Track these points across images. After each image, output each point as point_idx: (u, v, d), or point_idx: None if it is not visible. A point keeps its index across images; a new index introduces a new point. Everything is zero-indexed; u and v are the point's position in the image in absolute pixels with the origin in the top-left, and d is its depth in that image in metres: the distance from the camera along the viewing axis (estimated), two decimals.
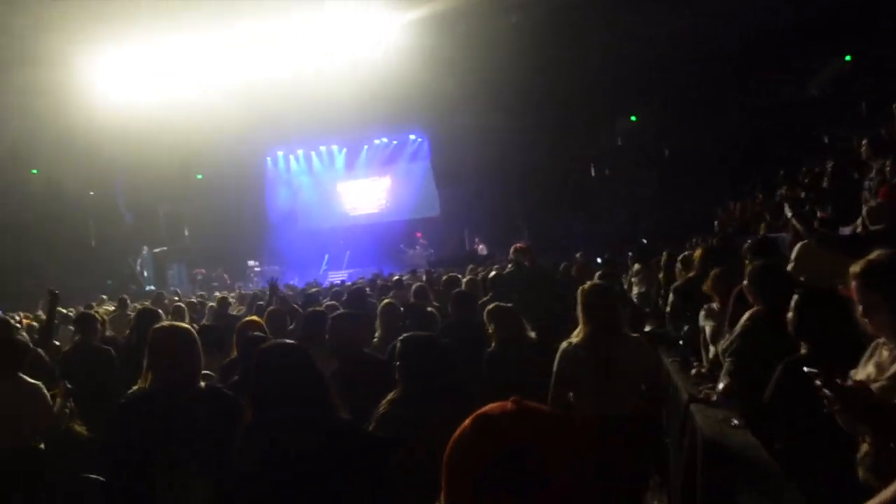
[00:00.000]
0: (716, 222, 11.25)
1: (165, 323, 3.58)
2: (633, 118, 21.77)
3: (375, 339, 5.18)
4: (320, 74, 17.69)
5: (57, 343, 6.22)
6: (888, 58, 14.20)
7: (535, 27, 16.83)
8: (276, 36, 17.47)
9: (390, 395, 3.12)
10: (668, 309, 5.39)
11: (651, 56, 17.34)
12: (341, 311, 4.87)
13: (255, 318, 5.13)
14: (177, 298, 10.98)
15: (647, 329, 5.72)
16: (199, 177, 24.69)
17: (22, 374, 4.41)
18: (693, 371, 4.57)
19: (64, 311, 9.13)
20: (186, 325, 3.41)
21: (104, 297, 12.92)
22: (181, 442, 2.89)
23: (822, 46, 16.02)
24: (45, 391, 4.42)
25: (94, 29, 16.17)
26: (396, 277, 10.03)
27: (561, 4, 16.51)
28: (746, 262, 4.36)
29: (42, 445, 4.38)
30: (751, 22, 15.65)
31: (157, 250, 22.84)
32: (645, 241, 8.81)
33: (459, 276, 8.56)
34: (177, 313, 7.47)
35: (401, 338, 3.32)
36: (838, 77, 16.60)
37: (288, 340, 2.62)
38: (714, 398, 3.86)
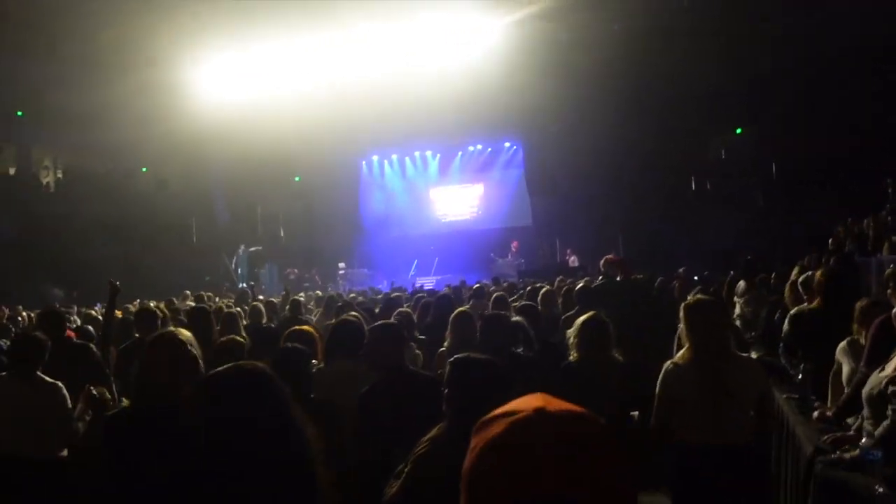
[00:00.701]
0: (830, 240, 10.43)
1: (165, 331, 3.18)
2: (738, 131, 20.88)
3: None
4: (415, 78, 17.69)
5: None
6: None
7: (638, 33, 16.40)
8: (373, 39, 17.59)
9: (433, 431, 2.68)
10: (783, 337, 4.76)
11: (759, 68, 16.67)
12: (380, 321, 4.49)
13: (304, 327, 4.78)
14: (261, 297, 11.07)
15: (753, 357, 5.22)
16: (297, 179, 25.24)
17: (40, 374, 4.17)
18: (815, 413, 3.90)
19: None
20: (180, 336, 2.91)
21: (188, 292, 13.19)
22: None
23: None
24: (65, 393, 4.15)
25: (201, 32, 16.75)
26: (477, 285, 9.63)
27: (665, 12, 16.05)
28: (890, 289, 3.82)
29: (65, 452, 4.14)
30: (860, 35, 14.87)
31: (252, 249, 23.41)
32: (749, 256, 8.14)
33: (548, 286, 8.22)
34: (255, 312, 7.46)
35: (451, 360, 2.83)
36: None
37: (258, 365, 2.11)
38: (853, 456, 3.12)
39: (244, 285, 19.60)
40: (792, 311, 4.74)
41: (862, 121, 16.48)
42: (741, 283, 7.66)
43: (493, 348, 3.81)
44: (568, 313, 5.95)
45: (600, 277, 7.47)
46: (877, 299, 3.88)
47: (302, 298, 10.68)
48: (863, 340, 3.67)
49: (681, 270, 10.08)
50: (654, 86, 17.80)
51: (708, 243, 17.98)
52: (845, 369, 3.76)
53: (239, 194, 24.31)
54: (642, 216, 20.32)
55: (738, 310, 7.19)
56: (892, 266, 3.68)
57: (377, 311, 7.15)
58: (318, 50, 18.27)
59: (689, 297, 4.33)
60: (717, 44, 16.12)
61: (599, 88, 17.89)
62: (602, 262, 7.67)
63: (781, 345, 4.71)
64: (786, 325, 4.68)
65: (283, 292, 10.37)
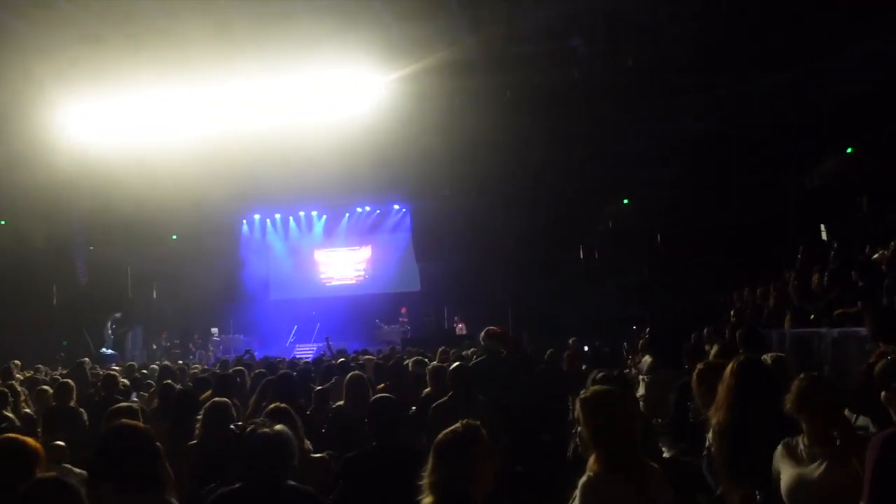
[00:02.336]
0: (732, 311, 10.10)
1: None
2: (625, 201, 21.06)
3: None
4: (300, 135, 16.78)
5: None
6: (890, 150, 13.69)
7: (531, 100, 16.27)
8: (256, 92, 16.57)
9: None
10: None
11: (647, 140, 16.85)
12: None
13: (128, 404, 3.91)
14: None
15: (665, 454, 4.36)
16: (174, 238, 23.60)
17: None
18: None
19: None
20: None
21: (17, 362, 11.59)
22: None
23: (822, 137, 15.48)
24: None
25: (70, 80, 15.38)
26: (341, 360, 8.40)
27: (557, 82, 16.03)
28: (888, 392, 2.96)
29: None
30: (746, 112, 15.28)
31: (117, 315, 21.57)
32: (650, 328, 7.57)
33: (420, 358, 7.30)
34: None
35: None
36: (838, 168, 16.07)
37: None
38: None
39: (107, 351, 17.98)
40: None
41: (745, 194, 16.85)
42: (647, 358, 6.91)
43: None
44: (440, 400, 5.02)
45: (479, 354, 6.44)
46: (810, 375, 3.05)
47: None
48: (803, 442, 2.89)
49: (571, 341, 9.39)
50: (545, 153, 17.69)
51: (597, 313, 17.74)
52: (784, 477, 2.94)
53: (107, 253, 22.40)
54: (532, 285, 20.00)
55: (641, 390, 6.41)
56: (885, 360, 2.78)
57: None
58: (197, 101, 17.04)
59: (588, 384, 3.58)
60: (606, 115, 16.21)
61: (490, 154, 17.58)
62: (483, 334, 6.40)
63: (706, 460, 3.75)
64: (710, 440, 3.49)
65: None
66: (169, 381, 6.34)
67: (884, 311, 4.63)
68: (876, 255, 7.64)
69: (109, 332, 21.41)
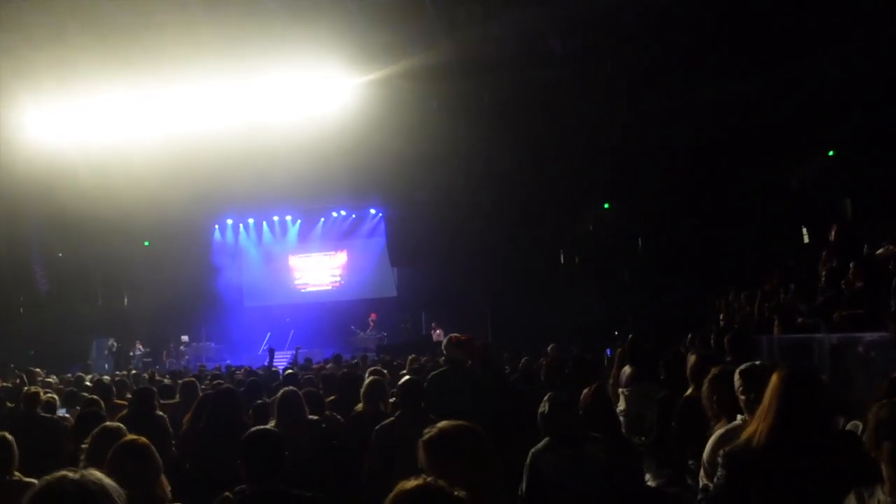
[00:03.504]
0: (721, 316, 9.71)
1: None
2: (606, 205, 20.80)
3: None
4: (273, 137, 16.29)
5: None
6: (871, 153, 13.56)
7: (508, 105, 15.98)
8: (228, 93, 16.08)
9: None
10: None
11: (629, 143, 16.61)
12: None
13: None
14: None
15: (650, 482, 3.94)
16: (147, 244, 23.02)
17: None
18: None
19: None
20: None
21: None
22: None
23: (805, 140, 15.32)
24: None
25: (32, 81, 14.84)
26: (289, 371, 7.77)
27: (537, 84, 15.74)
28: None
29: None
30: (728, 115, 15.04)
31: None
32: (632, 336, 7.13)
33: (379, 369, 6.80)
34: None
35: None
36: (820, 171, 15.94)
37: None
38: None
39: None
40: (727, 448, 2.71)
41: (727, 197, 16.69)
42: (626, 370, 6.30)
43: None
44: (385, 421, 4.39)
45: (443, 365, 5.71)
46: None
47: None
48: (882, 492, 2.20)
49: (549, 348, 8.96)
50: (523, 157, 17.42)
51: (578, 319, 17.45)
52: None
53: (75, 260, 21.76)
54: (512, 290, 19.68)
55: (621, 404, 5.94)
56: (879, 408, 2.20)
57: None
58: (165, 102, 16.48)
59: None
60: (585, 119, 15.95)
61: (468, 158, 17.26)
62: (444, 342, 5.58)
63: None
64: (720, 469, 2.65)
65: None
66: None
67: None
68: (880, 251, 7.20)
69: (106, 352, 20.95)
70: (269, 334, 21.57)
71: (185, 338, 21.32)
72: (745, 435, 2.61)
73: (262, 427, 3.38)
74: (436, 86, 15.62)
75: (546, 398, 3.79)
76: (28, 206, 18.44)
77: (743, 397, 3.12)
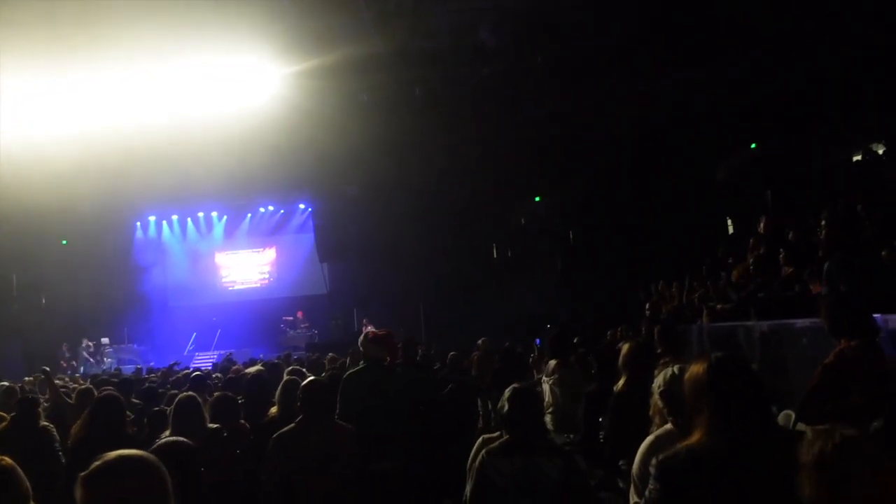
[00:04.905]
0: (647, 304, 9.66)
1: None
2: (537, 199, 20.84)
3: None
4: (195, 128, 15.63)
5: None
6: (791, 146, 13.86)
7: (439, 96, 15.78)
8: (147, 81, 15.33)
9: None
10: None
11: (560, 136, 16.62)
12: None
13: None
14: None
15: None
16: (64, 242, 21.98)
17: None
18: None
19: None
20: None
21: None
22: None
23: (729, 133, 15.62)
24: None
25: None
26: (195, 374, 7.07)
27: (469, 76, 15.60)
28: None
29: None
30: (656, 108, 15.20)
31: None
32: (553, 327, 7.01)
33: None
34: None
35: None
36: (745, 163, 16.30)
37: None
38: None
39: None
40: (658, 456, 2.27)
41: (655, 189, 16.88)
42: (551, 363, 5.93)
43: None
44: (285, 427, 4.02)
45: (359, 363, 5.23)
46: None
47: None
48: None
49: (480, 342, 8.78)
50: (454, 151, 17.25)
51: (511, 312, 17.42)
52: None
53: None
54: (444, 285, 19.52)
55: (547, 396, 5.55)
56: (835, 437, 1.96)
57: None
58: (84, 92, 15.60)
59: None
60: (515, 112, 15.91)
61: (398, 151, 17.00)
62: (361, 339, 5.23)
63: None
64: (652, 482, 2.24)
65: None
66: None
67: (842, 302, 3.81)
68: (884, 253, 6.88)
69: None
70: (194, 334, 20.92)
71: (105, 340, 20.43)
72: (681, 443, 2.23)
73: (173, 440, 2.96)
74: (366, 78, 15.30)
75: (510, 391, 3.34)
76: None
77: (671, 417, 2.80)
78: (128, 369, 15.58)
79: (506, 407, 3.27)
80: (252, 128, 15.42)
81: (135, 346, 20.21)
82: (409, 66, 15.28)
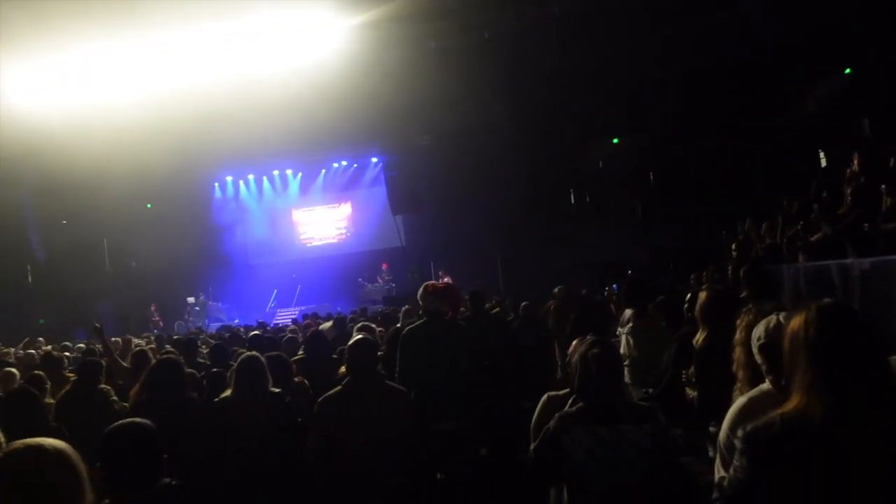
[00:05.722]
0: (733, 246, 9.08)
1: None
2: (614, 141, 20.11)
3: None
4: (267, 89, 15.62)
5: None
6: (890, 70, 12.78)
7: (509, 42, 15.29)
8: (215, 42, 15.34)
9: None
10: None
11: (635, 75, 15.86)
12: None
13: None
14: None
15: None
16: (149, 206, 22.64)
17: None
18: None
19: None
20: None
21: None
22: None
23: (817, 60, 14.56)
24: None
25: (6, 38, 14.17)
26: (254, 332, 7.20)
27: (538, 20, 15.02)
28: None
29: None
30: (736, 39, 14.49)
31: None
32: (631, 272, 6.59)
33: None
34: None
35: None
36: (837, 91, 15.22)
37: None
38: None
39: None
40: (747, 426, 1.86)
41: (739, 125, 16.03)
42: (627, 312, 5.50)
43: None
44: (331, 391, 3.81)
45: (419, 318, 4.98)
46: None
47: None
48: None
49: (556, 290, 8.44)
50: (527, 97, 16.71)
51: (590, 259, 16.97)
52: None
53: (81, 226, 21.44)
54: (521, 233, 19.17)
55: (623, 348, 5.13)
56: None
57: None
58: (151, 56, 15.74)
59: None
60: (588, 52, 15.25)
61: (469, 98, 16.61)
62: (420, 292, 4.89)
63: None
64: (738, 457, 1.87)
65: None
66: None
67: None
68: None
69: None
70: (275, 291, 21.31)
71: (190, 299, 21.05)
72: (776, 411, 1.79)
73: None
74: (433, 25, 15.00)
75: (587, 347, 2.91)
76: (16, 172, 18.00)
77: (770, 376, 2.34)
78: (213, 327, 16.00)
79: (586, 367, 2.87)
80: (319, 83, 15.29)
81: (220, 304, 20.73)
82: (477, 10, 14.83)
